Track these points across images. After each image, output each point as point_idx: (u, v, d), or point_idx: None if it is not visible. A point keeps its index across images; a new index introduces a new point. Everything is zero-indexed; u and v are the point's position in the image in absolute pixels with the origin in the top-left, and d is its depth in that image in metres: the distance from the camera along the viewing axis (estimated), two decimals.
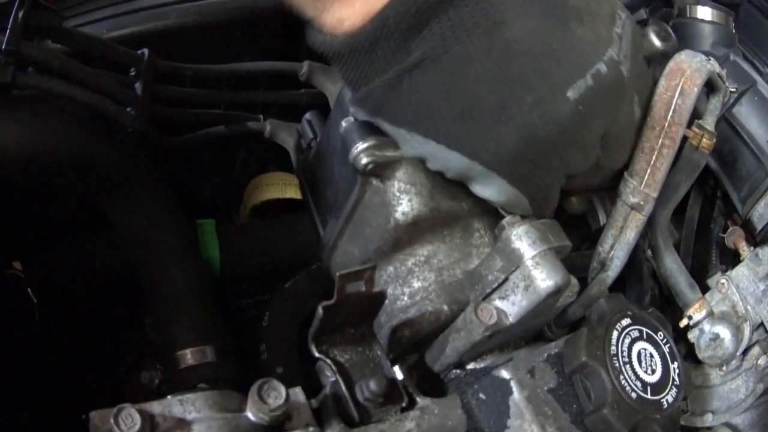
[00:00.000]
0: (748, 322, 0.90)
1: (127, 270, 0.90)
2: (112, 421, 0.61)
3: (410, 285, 0.78)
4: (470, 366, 0.78)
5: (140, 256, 0.88)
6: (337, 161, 0.81)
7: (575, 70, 0.68)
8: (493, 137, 0.67)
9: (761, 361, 0.95)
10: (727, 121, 0.94)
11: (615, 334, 0.74)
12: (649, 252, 0.98)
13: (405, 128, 0.70)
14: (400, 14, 0.64)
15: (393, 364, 0.77)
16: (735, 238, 0.97)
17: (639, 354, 0.74)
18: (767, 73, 1.03)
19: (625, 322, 0.75)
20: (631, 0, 1.05)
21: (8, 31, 0.72)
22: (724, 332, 0.88)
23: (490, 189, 0.72)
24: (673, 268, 0.90)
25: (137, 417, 0.62)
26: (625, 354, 0.73)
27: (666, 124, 0.79)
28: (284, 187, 0.99)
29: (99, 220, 0.90)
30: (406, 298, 0.78)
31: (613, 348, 0.73)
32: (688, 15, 1.02)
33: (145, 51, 0.85)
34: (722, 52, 0.98)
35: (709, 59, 0.82)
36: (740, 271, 0.93)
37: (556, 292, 0.72)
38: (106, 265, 0.95)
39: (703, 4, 1.01)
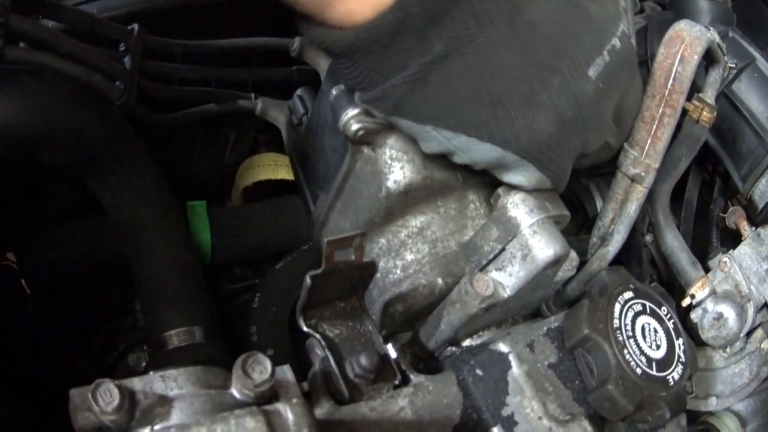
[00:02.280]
0: (752, 302, 0.85)
1: (119, 255, 0.84)
2: (90, 396, 0.55)
3: (403, 258, 0.72)
4: (466, 343, 0.72)
5: (128, 236, 0.82)
6: (327, 133, 0.76)
7: (594, 49, 0.64)
8: (525, 124, 0.62)
9: (765, 345, 0.90)
10: (726, 97, 0.89)
11: (617, 306, 0.68)
12: (647, 238, 0.93)
13: (431, 124, 0.63)
14: (420, 3, 0.58)
15: (386, 341, 0.71)
16: (736, 217, 0.92)
17: (643, 328, 0.68)
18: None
19: (628, 294, 0.70)
20: None
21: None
22: (728, 311, 0.82)
23: (519, 176, 0.66)
24: (675, 245, 0.85)
25: (116, 392, 0.55)
26: (629, 328, 0.67)
27: (666, 93, 0.74)
28: (276, 168, 0.93)
29: (90, 206, 0.85)
30: (398, 272, 0.72)
31: (616, 321, 0.67)
32: None
33: (135, 26, 0.79)
34: (720, 29, 0.93)
35: (709, 29, 0.77)
36: (743, 250, 0.87)
37: (555, 262, 0.66)
38: (97, 250, 0.89)
39: None
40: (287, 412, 0.50)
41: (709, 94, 0.81)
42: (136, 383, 0.59)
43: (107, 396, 0.55)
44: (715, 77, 0.81)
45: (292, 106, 0.87)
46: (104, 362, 0.93)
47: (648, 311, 0.70)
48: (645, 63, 0.92)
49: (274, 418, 0.50)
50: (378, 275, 0.72)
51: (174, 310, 0.80)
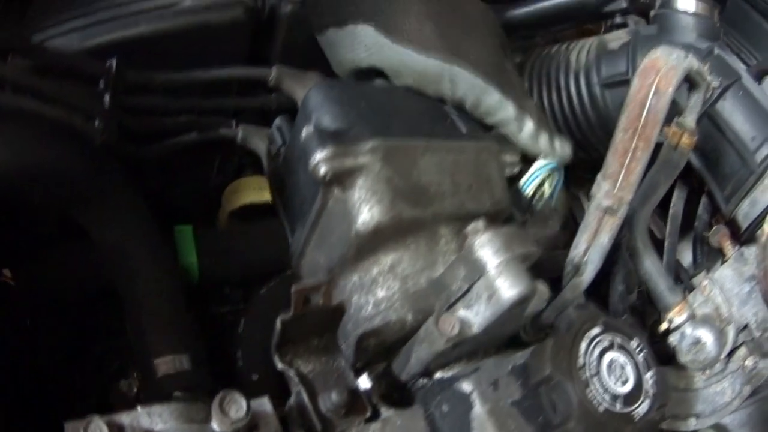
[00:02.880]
0: (732, 325, 0.85)
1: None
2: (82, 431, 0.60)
3: (375, 294, 0.74)
4: (438, 375, 0.74)
5: (115, 266, 0.85)
6: (301, 168, 0.77)
7: None
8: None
9: (748, 362, 0.90)
10: (710, 117, 0.88)
11: (583, 344, 0.69)
12: None
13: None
14: None
15: (361, 372, 0.74)
16: (720, 237, 0.91)
17: (609, 364, 0.70)
18: (753, 66, 0.97)
19: (595, 331, 0.71)
20: None
21: None
22: (706, 336, 0.83)
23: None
24: (653, 271, 0.85)
25: (105, 429, 0.61)
26: (594, 365, 0.69)
27: (640, 125, 0.74)
28: (261, 191, 0.95)
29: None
30: (371, 307, 0.74)
31: (581, 359, 0.68)
32: (671, 6, 0.95)
33: (113, 62, 0.81)
34: (706, 45, 0.91)
35: (688, 54, 0.77)
36: (724, 273, 0.87)
37: (521, 302, 0.68)
38: (92, 272, 0.92)
39: None
40: None
41: (690, 118, 0.81)
42: (125, 418, 0.65)
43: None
44: (695, 101, 0.81)
45: (270, 136, 0.89)
46: (99, 380, 0.97)
47: (616, 346, 0.71)
48: (626, 82, 0.92)
49: None
50: (352, 310, 0.74)
51: (162, 338, 0.82)
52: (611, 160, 0.76)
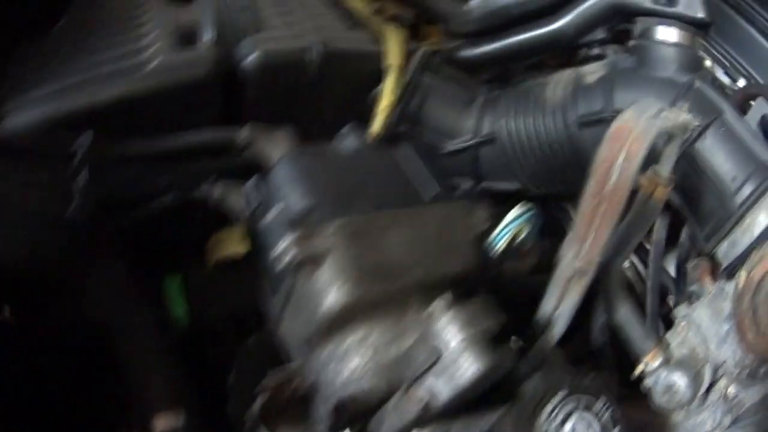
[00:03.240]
0: (708, 364, 0.87)
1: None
2: None
3: (348, 362, 0.78)
4: None
5: (106, 331, 0.90)
6: (270, 246, 0.80)
7: None
8: None
9: (730, 390, 0.92)
10: (689, 156, 0.87)
11: (545, 414, 0.73)
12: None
13: None
14: None
15: (341, 429, 0.78)
16: (700, 272, 0.92)
17: (572, 429, 0.73)
18: (739, 90, 0.96)
19: (558, 397, 0.74)
20: (589, 18, 0.98)
21: None
22: (681, 380, 0.85)
23: None
24: (627, 319, 0.87)
25: None
26: (558, 427, 0.72)
27: (607, 191, 0.75)
28: (244, 243, 0.99)
29: None
30: (345, 375, 0.78)
31: (542, 429, 0.72)
32: (650, 37, 0.94)
33: (85, 137, 0.83)
34: (686, 79, 0.90)
35: (660, 114, 0.76)
36: (702, 313, 0.88)
37: (484, 377, 0.71)
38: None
39: (668, 25, 0.92)
40: None
41: (665, 168, 0.81)
42: None
43: None
44: (672, 149, 0.80)
45: (246, 196, 0.91)
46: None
47: (580, 409, 0.74)
48: (603, 120, 0.91)
49: None
50: (328, 377, 0.78)
51: (157, 396, 0.89)
52: (579, 225, 0.78)
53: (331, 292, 0.74)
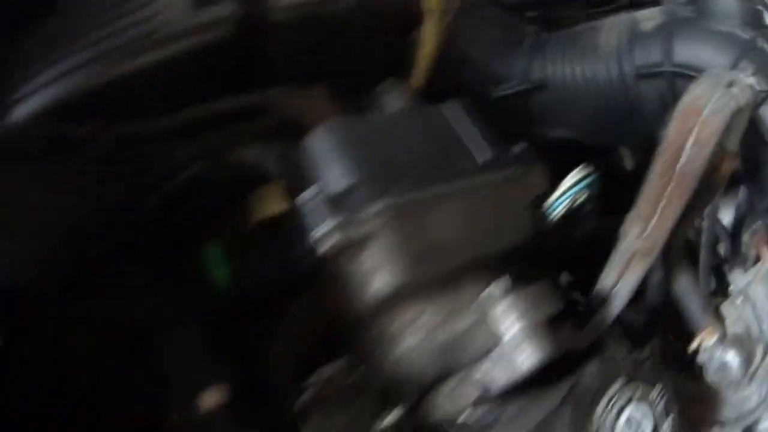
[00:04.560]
0: (761, 344, 0.85)
1: None
2: None
3: (398, 345, 0.75)
4: (461, 419, 0.76)
5: (146, 320, 0.88)
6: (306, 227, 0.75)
7: None
8: None
9: None
10: (752, 122, 0.82)
11: (601, 407, 0.71)
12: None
13: None
14: None
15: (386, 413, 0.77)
16: (756, 240, 0.89)
17: (627, 421, 0.72)
18: None
19: (614, 388, 0.72)
20: None
21: None
22: (733, 360, 0.84)
23: None
24: (687, 290, 0.85)
25: None
26: (610, 425, 0.71)
27: (676, 174, 0.70)
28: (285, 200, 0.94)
29: None
30: (394, 358, 0.76)
31: (597, 422, 0.70)
32: None
33: (99, 124, 0.76)
34: (749, 36, 0.83)
35: (732, 83, 0.70)
36: (758, 290, 0.87)
37: (540, 366, 0.69)
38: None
39: None
40: None
41: (732, 141, 0.76)
42: None
43: None
44: (739, 123, 0.75)
45: (280, 161, 0.85)
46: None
47: (636, 399, 0.72)
48: (662, 74, 0.85)
49: None
50: (376, 361, 0.75)
51: (199, 375, 0.87)
52: (644, 203, 0.74)
53: (377, 278, 0.70)
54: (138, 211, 0.87)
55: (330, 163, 0.73)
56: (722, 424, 0.93)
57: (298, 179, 0.85)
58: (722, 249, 0.95)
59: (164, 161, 0.85)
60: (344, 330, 0.78)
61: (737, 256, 0.94)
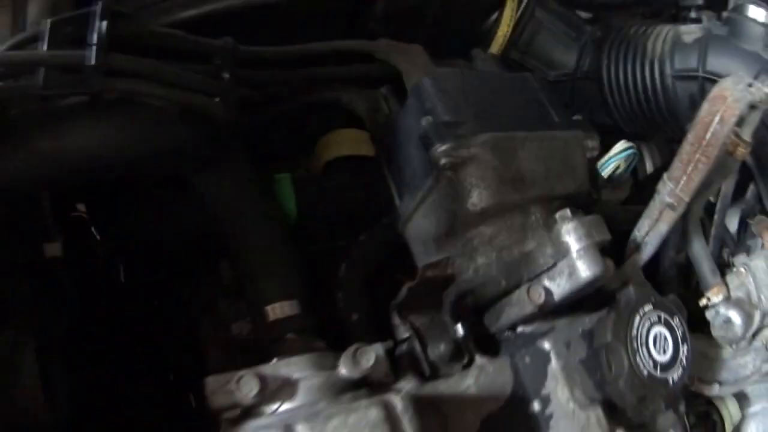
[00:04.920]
0: (759, 310, 1.45)
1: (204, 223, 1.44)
2: (234, 385, 1.13)
3: (475, 260, 1.30)
4: (519, 329, 1.32)
5: (228, 223, 1.38)
6: (414, 148, 1.31)
7: None
8: None
9: None
10: (765, 125, 1.45)
11: (637, 319, 1.28)
12: None
13: None
14: None
15: (456, 322, 1.30)
16: (761, 227, 1.51)
17: (655, 337, 1.28)
18: None
19: (647, 308, 1.29)
20: None
21: (94, 46, 1.16)
22: (736, 317, 1.43)
23: None
24: (700, 253, 1.44)
25: (255, 381, 1.14)
26: (643, 337, 1.27)
27: (704, 144, 1.31)
28: (358, 144, 1.50)
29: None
30: (470, 272, 1.30)
31: (634, 331, 1.27)
32: (742, 12, 1.51)
33: (229, 40, 1.31)
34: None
35: (751, 84, 1.33)
36: (759, 264, 1.46)
37: (595, 281, 1.26)
38: (184, 219, 1.49)
39: (758, 5, 1.49)
40: (398, 402, 1.09)
41: (747, 132, 1.38)
42: (266, 369, 1.18)
43: (249, 384, 1.14)
44: (754, 118, 1.37)
45: (376, 102, 1.42)
46: (188, 317, 1.53)
47: (662, 321, 1.30)
48: (695, 78, 1.48)
49: (389, 407, 1.08)
50: (455, 272, 1.30)
51: (273, 285, 1.36)
52: (677, 166, 1.33)
53: (473, 194, 1.25)
54: (246, 125, 1.41)
55: (441, 101, 1.27)
56: (720, 383, 1.53)
57: (383, 124, 1.43)
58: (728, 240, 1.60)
59: (274, 85, 1.41)
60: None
61: (743, 243, 1.58)
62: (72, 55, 1.16)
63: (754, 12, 1.50)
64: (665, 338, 1.29)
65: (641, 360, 1.25)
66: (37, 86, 1.15)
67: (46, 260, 1.46)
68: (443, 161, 1.23)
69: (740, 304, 1.46)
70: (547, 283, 1.27)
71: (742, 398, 1.61)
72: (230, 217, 1.39)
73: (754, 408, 1.62)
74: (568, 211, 1.27)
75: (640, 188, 1.55)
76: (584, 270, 1.23)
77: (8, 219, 1.35)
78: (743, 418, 1.62)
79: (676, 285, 1.51)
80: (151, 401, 1.68)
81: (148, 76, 1.24)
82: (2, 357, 1.30)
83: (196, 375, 1.31)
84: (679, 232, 1.47)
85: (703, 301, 1.46)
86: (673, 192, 1.34)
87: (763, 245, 1.51)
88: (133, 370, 1.66)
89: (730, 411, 1.56)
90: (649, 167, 1.67)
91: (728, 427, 1.57)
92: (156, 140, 1.28)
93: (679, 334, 1.31)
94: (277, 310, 1.35)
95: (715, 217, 1.54)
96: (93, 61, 1.16)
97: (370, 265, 1.46)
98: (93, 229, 1.56)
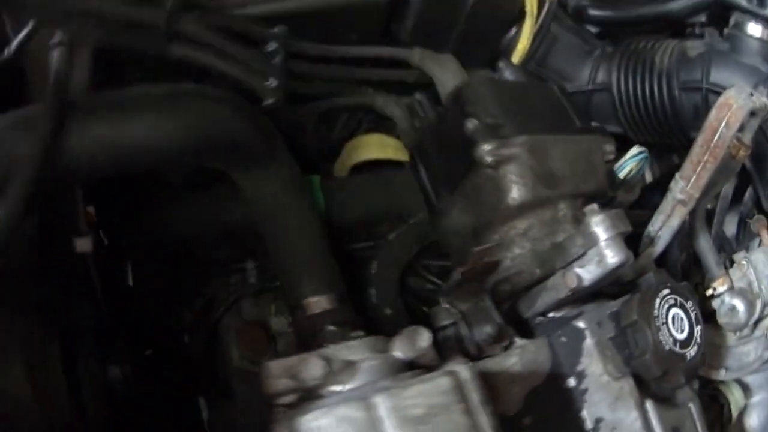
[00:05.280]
0: (760, 299, 1.75)
1: (235, 223, 1.69)
2: (299, 368, 1.26)
3: (511, 251, 1.57)
4: (551, 314, 1.59)
5: (268, 219, 1.59)
6: (454, 148, 1.58)
7: None
8: None
9: None
10: (762, 130, 1.76)
11: (657, 300, 1.55)
12: None
13: None
14: None
15: (500, 303, 1.56)
16: (759, 225, 1.82)
17: (673, 317, 1.56)
18: None
19: (665, 292, 1.57)
20: (698, 5, 1.86)
21: (169, 6, 1.40)
22: (740, 305, 1.73)
23: None
24: (705, 247, 1.74)
25: (321, 362, 1.27)
26: (664, 316, 1.54)
27: (711, 146, 1.61)
28: (384, 148, 1.76)
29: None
30: (508, 261, 1.57)
31: (656, 311, 1.54)
32: (742, 29, 1.83)
33: (283, 28, 1.58)
34: (766, 69, 1.80)
35: (752, 93, 1.63)
36: (759, 257, 1.77)
37: (621, 266, 1.54)
38: (215, 218, 1.74)
39: (757, 22, 1.81)
40: (464, 371, 1.33)
41: (747, 136, 1.68)
42: (328, 352, 1.32)
43: (315, 366, 1.30)
44: (753, 124, 1.68)
45: (411, 107, 1.69)
46: (211, 315, 1.78)
47: (678, 304, 1.58)
48: (699, 90, 1.79)
49: (456, 376, 1.31)
50: (494, 260, 1.57)
51: (312, 279, 1.58)
52: (687, 166, 1.63)
53: (513, 190, 1.52)
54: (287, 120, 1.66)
55: (482, 105, 1.54)
56: (726, 369, 1.82)
57: (421, 128, 1.70)
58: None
59: (317, 84, 1.67)
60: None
61: (743, 242, 1.88)
62: (143, 12, 1.40)
63: (753, 29, 1.82)
64: (682, 319, 1.57)
65: (663, 337, 1.53)
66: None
67: (76, 255, 1.59)
68: (489, 160, 1.50)
69: (743, 294, 1.75)
70: (578, 269, 1.54)
71: (744, 389, 1.92)
72: (269, 213, 1.62)
73: (756, 398, 1.94)
74: (596, 206, 1.55)
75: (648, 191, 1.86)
76: (612, 257, 1.50)
77: (44, 210, 1.43)
78: (745, 408, 1.94)
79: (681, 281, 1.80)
80: (165, 405, 1.83)
81: (210, 45, 1.47)
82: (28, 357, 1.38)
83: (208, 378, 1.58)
84: (685, 233, 1.77)
85: (709, 291, 1.76)
86: (684, 189, 1.64)
87: (761, 242, 1.82)
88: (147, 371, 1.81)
89: (735, 396, 1.88)
90: (648, 177, 2.00)
91: (734, 411, 1.88)
92: (214, 133, 1.47)
93: (693, 316, 1.59)
94: (318, 303, 1.57)
95: (715, 219, 1.85)
96: (163, 24, 1.39)
97: (400, 263, 1.73)
98: (100, 232, 1.76)
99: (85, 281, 1.63)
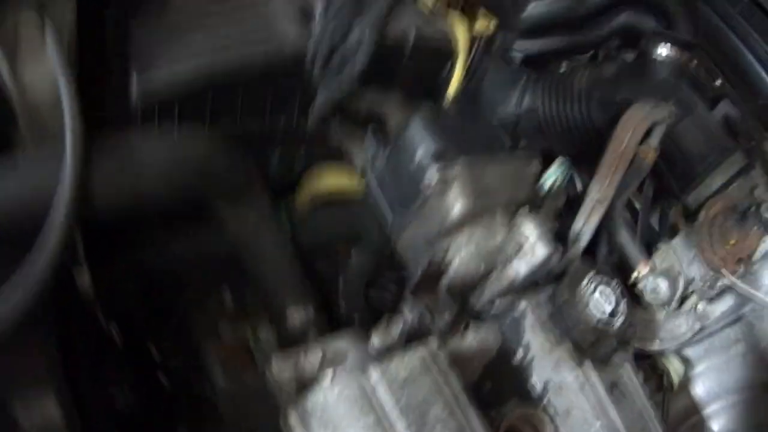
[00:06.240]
0: (682, 276, 2.60)
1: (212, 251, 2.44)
2: (302, 356, 1.90)
3: (459, 253, 2.44)
4: (497, 302, 2.45)
5: (246, 248, 2.29)
6: (407, 173, 2.44)
7: None
8: None
9: (700, 306, 2.68)
10: (670, 136, 2.65)
11: (585, 281, 2.42)
12: None
13: None
14: None
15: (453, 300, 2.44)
16: (675, 215, 2.72)
17: (600, 292, 2.43)
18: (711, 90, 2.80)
19: (591, 273, 2.44)
20: (613, 31, 2.82)
21: None
22: (663, 283, 2.57)
23: None
24: (625, 240, 2.60)
25: (321, 353, 1.91)
26: (591, 293, 2.41)
27: (621, 152, 2.50)
28: (340, 178, 2.55)
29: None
30: (456, 262, 2.42)
31: (584, 289, 2.42)
32: (650, 48, 2.73)
33: None
34: (674, 82, 2.69)
35: (655, 106, 2.54)
36: (677, 241, 2.63)
37: (550, 257, 2.42)
38: (193, 249, 2.43)
39: (665, 42, 2.72)
40: (432, 342, 2.15)
41: (655, 142, 2.58)
42: (321, 342, 1.99)
43: (315, 354, 2.05)
44: (659, 131, 2.58)
45: (368, 141, 2.58)
46: (191, 338, 2.57)
47: (604, 281, 2.43)
48: (617, 103, 2.70)
49: (429, 349, 2.15)
50: (446, 265, 2.46)
51: (293, 292, 2.35)
52: (602, 170, 2.52)
53: (457, 204, 2.35)
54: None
55: (427, 136, 2.38)
56: (660, 340, 2.70)
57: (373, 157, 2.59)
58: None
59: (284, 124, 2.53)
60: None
61: (664, 230, 2.78)
62: None
63: (662, 48, 2.75)
64: (607, 294, 2.43)
65: (591, 310, 2.39)
66: None
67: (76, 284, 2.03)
68: (436, 180, 2.37)
69: (665, 273, 2.60)
70: (516, 263, 2.43)
71: (686, 362, 2.77)
72: (247, 243, 2.23)
73: (699, 368, 2.72)
74: (527, 208, 2.44)
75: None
76: (541, 248, 2.39)
77: None
78: (690, 380, 2.73)
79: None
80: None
81: None
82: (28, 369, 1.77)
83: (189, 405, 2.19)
84: (608, 238, 2.66)
85: (633, 275, 2.63)
86: (599, 190, 2.53)
87: (679, 229, 2.72)
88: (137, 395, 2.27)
89: (674, 365, 2.71)
90: (579, 186, 2.87)
91: (675, 379, 2.73)
92: (206, 169, 2.09)
93: (618, 291, 2.44)
94: (299, 312, 2.23)
95: (640, 215, 2.73)
96: None
97: (363, 276, 2.57)
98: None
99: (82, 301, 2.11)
